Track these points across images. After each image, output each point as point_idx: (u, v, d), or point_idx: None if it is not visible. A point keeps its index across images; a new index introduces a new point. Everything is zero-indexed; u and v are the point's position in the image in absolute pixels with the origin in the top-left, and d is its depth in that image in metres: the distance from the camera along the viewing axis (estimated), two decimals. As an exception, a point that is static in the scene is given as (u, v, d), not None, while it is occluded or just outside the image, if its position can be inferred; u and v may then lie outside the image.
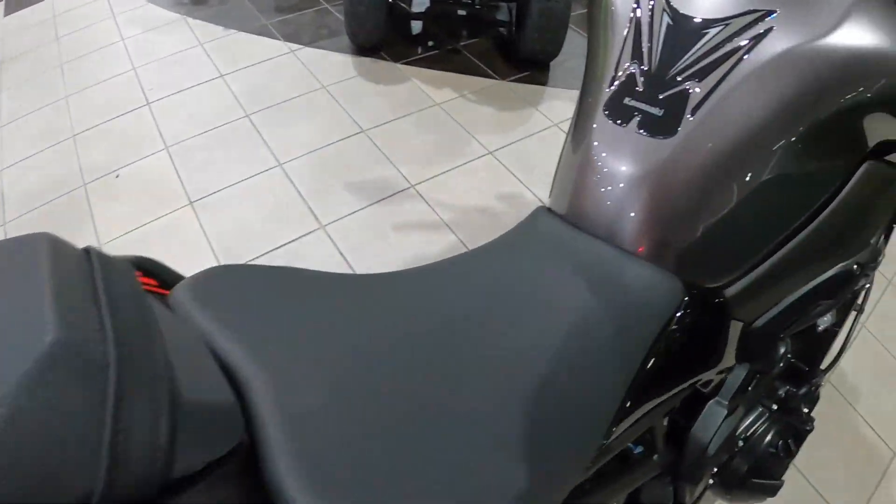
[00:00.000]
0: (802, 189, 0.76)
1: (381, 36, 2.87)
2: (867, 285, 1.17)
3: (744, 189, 0.73)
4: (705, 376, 0.84)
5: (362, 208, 2.18)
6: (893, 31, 0.71)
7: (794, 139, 0.72)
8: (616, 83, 0.81)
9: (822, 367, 1.19)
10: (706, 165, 0.73)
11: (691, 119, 0.74)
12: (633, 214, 0.76)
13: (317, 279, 0.72)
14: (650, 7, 0.82)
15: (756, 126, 0.72)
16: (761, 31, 0.73)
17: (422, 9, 3.05)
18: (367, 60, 2.91)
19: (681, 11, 0.79)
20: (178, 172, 2.38)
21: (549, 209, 0.86)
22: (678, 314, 0.72)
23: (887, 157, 0.82)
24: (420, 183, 2.28)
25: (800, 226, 0.78)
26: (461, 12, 2.87)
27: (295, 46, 3.02)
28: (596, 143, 0.80)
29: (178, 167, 2.40)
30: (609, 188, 0.78)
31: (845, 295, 0.94)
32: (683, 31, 0.78)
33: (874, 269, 0.98)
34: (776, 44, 0.72)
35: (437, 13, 3.00)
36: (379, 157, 2.38)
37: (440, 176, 2.31)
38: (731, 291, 0.79)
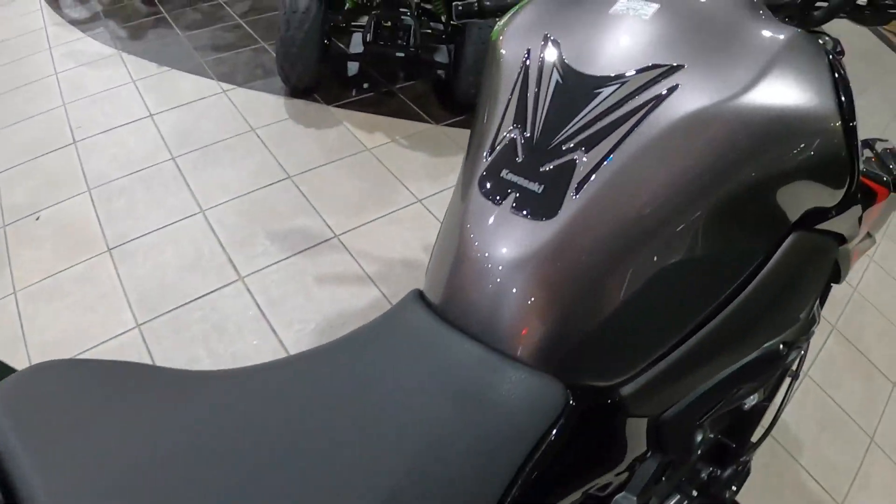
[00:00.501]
0: (715, 271, 0.66)
1: (315, 78, 2.85)
2: (801, 353, 1.05)
3: (641, 276, 0.63)
4: (601, 481, 0.73)
5: (284, 259, 2.14)
6: (817, 87, 0.63)
7: (703, 215, 0.62)
8: (495, 152, 0.70)
9: (754, 440, 1.09)
10: (594, 251, 0.62)
11: (575, 197, 0.63)
12: (507, 309, 0.65)
13: (154, 376, 0.64)
14: (540, 61, 0.72)
15: (656, 202, 0.61)
16: (665, 89, 0.63)
17: (359, 49, 3.05)
18: (299, 103, 2.88)
19: (573, 67, 0.69)
20: (99, 216, 2.31)
21: (422, 295, 0.75)
22: (560, 422, 0.60)
23: (817, 227, 0.73)
24: (345, 233, 2.25)
25: (712, 311, 0.68)
26: (399, 54, 2.86)
27: (228, 86, 2.98)
28: (468, 225, 0.69)
29: (98, 211, 2.33)
30: (481, 278, 0.66)
31: (772, 375, 0.85)
32: (574, 90, 0.67)
33: (807, 340, 0.88)
34: (683, 104, 0.62)
35: (373, 54, 2.98)
36: (304, 204, 2.35)
37: (366, 225, 2.29)
38: (629, 389, 0.69)
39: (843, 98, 0.65)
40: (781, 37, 0.65)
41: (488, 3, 0.96)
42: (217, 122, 2.75)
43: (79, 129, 2.74)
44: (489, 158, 0.70)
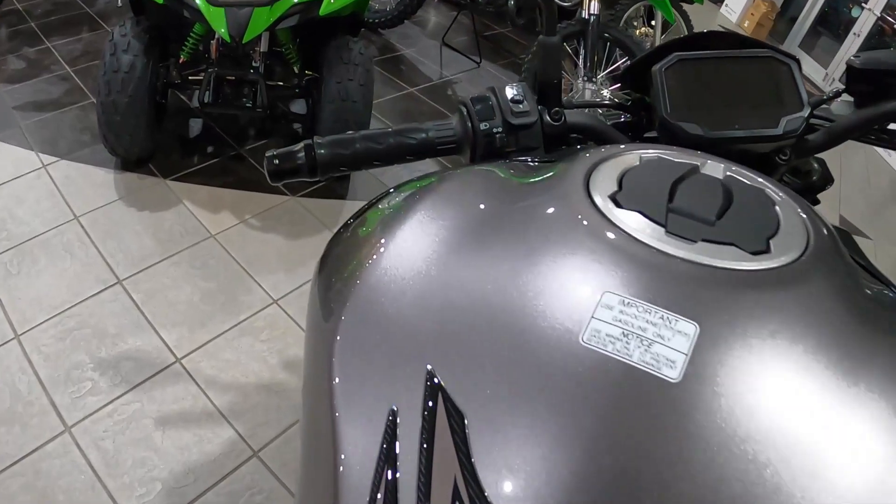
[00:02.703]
0: None
1: (148, 147, 2.49)
2: None
3: None
4: None
5: (117, 397, 1.85)
6: None
7: None
8: None
9: None
10: None
11: None
12: None
13: None
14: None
15: None
16: None
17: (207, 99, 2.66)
18: (131, 177, 2.53)
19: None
20: None
21: None
22: None
23: None
24: (188, 354, 1.98)
25: None
26: (240, 113, 2.57)
27: (49, 159, 2.57)
28: None
29: None
30: None
31: None
32: None
33: None
34: None
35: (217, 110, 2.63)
36: (137, 318, 2.05)
37: (214, 341, 2.02)
38: None
39: None
40: None
41: (319, 153, 0.73)
42: (34, 208, 2.37)
43: None
44: None
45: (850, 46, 4.79)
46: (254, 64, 2.46)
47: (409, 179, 0.73)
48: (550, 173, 0.62)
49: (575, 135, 0.80)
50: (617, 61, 3.17)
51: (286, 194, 2.60)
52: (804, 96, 0.74)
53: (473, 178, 0.65)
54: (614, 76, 3.26)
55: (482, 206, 0.59)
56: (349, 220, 0.71)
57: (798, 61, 0.75)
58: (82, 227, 2.30)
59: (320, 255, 0.70)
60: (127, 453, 1.74)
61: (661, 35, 3.47)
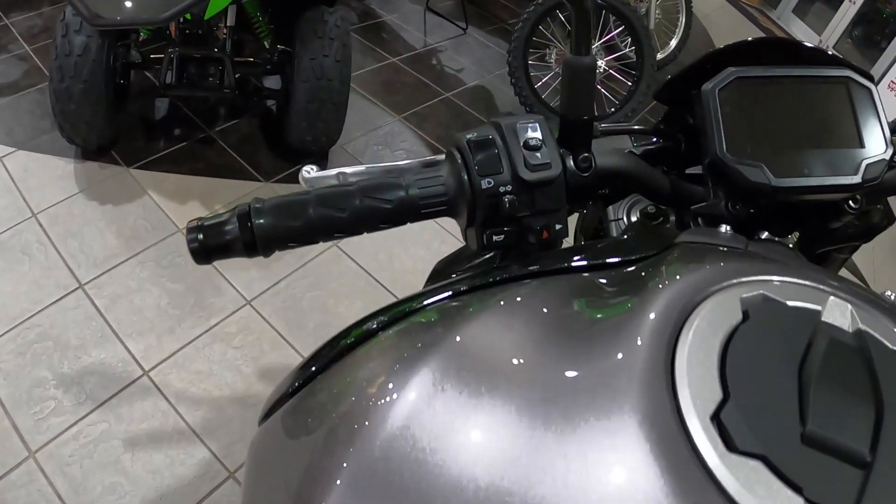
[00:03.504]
0: None
1: (109, 134, 2.31)
2: None
3: None
4: None
5: (82, 417, 1.72)
6: None
7: None
8: None
9: None
10: None
11: None
12: None
13: None
14: None
15: None
16: None
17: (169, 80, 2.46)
18: (93, 167, 2.36)
19: None
20: None
21: None
22: None
23: None
24: (157, 366, 1.85)
25: None
26: (205, 95, 2.38)
27: (5, 150, 2.39)
28: None
29: None
30: None
31: None
32: None
33: None
34: None
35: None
36: (101, 327, 1.91)
37: (183, 350, 1.89)
38: None
39: None
40: None
41: (258, 224, 0.54)
42: (-12, 206, 2.21)
43: None
44: None
45: (845, 14, 4.64)
46: (220, 40, 2.28)
47: (402, 301, 0.54)
48: (611, 329, 0.41)
49: (603, 190, 0.62)
50: (612, 31, 2.99)
51: (259, 180, 2.44)
52: (887, 132, 0.59)
53: (512, 310, 0.46)
54: (608, 46, 3.08)
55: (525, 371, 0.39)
56: (310, 366, 0.54)
57: (874, 82, 0.60)
58: (41, 225, 2.15)
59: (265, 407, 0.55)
60: (95, 479, 1.62)
61: (657, 1, 3.27)
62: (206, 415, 1.77)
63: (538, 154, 0.55)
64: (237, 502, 1.64)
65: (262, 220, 0.53)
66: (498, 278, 0.53)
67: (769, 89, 0.60)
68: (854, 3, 4.57)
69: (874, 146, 0.59)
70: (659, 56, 3.39)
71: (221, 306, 2.01)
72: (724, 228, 0.59)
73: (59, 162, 2.37)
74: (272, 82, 2.72)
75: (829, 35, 4.77)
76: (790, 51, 0.65)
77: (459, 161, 0.56)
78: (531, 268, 0.54)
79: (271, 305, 2.04)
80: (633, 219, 0.74)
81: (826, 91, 0.60)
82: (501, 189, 0.55)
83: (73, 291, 1.99)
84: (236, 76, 2.30)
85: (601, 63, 2.99)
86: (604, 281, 0.50)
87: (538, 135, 0.56)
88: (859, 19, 4.57)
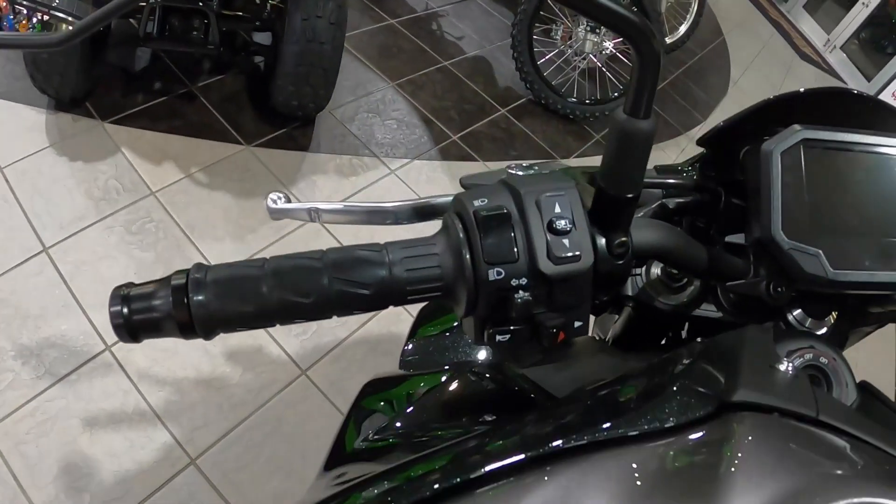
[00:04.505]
0: None
1: (84, 85, 2.18)
2: None
3: None
4: None
5: (40, 392, 1.64)
6: None
7: None
8: None
9: None
10: None
11: None
12: None
13: None
14: None
15: None
16: None
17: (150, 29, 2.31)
18: (65, 119, 2.23)
19: None
20: None
21: None
22: None
23: None
24: (119, 341, 1.76)
25: None
26: (193, 52, 2.25)
27: (-28, 97, 2.26)
28: None
29: None
30: None
31: None
32: None
33: None
34: None
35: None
36: (64, 296, 1.81)
37: (148, 325, 1.81)
38: None
39: None
40: None
41: (196, 303, 0.43)
42: (-48, 158, 2.08)
43: None
44: None
45: (857, 15, 4.64)
46: (203, -1, 2.13)
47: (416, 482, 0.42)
48: None
49: (636, 274, 0.52)
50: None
51: (240, 143, 2.32)
52: None
53: None
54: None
55: None
56: None
57: None
58: (6, 181, 2.03)
59: None
60: (52, 459, 1.55)
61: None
62: (170, 397, 1.70)
63: (565, 241, 0.43)
64: (198, 491, 1.58)
65: (201, 297, 0.42)
66: (531, 455, 0.39)
67: (838, 159, 0.50)
68: (867, 5, 4.55)
69: None
70: (668, 40, 3.28)
71: (192, 280, 1.92)
72: (783, 366, 0.44)
73: (30, 112, 2.22)
74: (263, 37, 2.58)
75: (838, 35, 4.78)
76: (868, 110, 0.54)
77: (461, 236, 0.44)
78: (571, 440, 0.39)
79: (245, 281, 1.95)
80: (653, 273, 0.63)
81: None
82: (514, 283, 0.43)
83: (36, 255, 1.88)
84: (223, 30, 2.16)
85: (608, 45, 2.86)
86: (661, 452, 0.38)
87: (568, 213, 0.44)
88: (869, 22, 4.58)
